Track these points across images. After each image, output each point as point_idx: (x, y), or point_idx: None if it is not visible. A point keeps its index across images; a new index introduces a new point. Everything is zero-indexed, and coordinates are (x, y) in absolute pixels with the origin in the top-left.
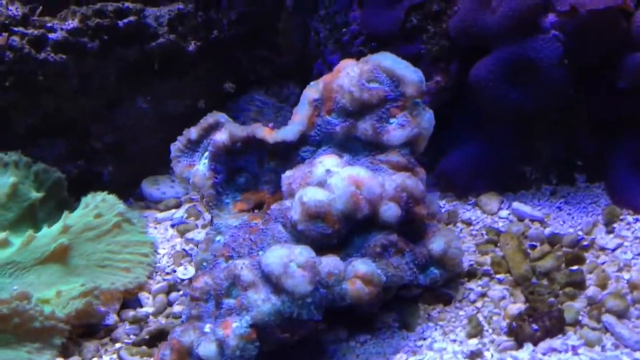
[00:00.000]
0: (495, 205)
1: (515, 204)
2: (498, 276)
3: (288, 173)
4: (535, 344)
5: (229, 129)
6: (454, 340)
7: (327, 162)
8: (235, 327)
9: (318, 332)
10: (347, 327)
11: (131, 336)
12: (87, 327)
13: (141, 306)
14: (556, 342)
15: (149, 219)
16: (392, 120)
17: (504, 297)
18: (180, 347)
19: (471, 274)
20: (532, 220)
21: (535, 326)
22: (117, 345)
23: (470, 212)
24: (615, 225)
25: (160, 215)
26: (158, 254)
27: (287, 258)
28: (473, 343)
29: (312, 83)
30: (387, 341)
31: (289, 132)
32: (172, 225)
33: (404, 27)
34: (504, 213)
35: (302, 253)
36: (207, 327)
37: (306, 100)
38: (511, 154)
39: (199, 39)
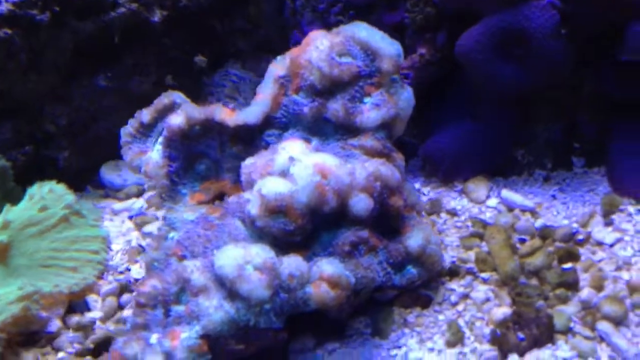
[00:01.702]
0: (483, 192)
1: (505, 192)
2: (483, 275)
3: (248, 161)
4: (521, 355)
5: (185, 110)
6: (432, 349)
7: (291, 149)
8: (183, 338)
9: (278, 343)
10: (314, 334)
11: (75, 345)
12: (27, 335)
13: (89, 310)
14: (544, 353)
15: (105, 210)
16: (366, 99)
17: (488, 299)
18: None
19: (453, 273)
20: (523, 211)
21: (521, 335)
22: (60, 355)
23: (455, 201)
24: (614, 216)
25: (118, 205)
26: (111, 250)
27: (243, 259)
28: (453, 352)
29: (278, 58)
30: (358, 350)
31: (251, 113)
32: (130, 217)
33: None
34: (492, 202)
35: (260, 253)
36: (154, 338)
37: (271, 78)
38: (503, 135)
39: (166, 8)
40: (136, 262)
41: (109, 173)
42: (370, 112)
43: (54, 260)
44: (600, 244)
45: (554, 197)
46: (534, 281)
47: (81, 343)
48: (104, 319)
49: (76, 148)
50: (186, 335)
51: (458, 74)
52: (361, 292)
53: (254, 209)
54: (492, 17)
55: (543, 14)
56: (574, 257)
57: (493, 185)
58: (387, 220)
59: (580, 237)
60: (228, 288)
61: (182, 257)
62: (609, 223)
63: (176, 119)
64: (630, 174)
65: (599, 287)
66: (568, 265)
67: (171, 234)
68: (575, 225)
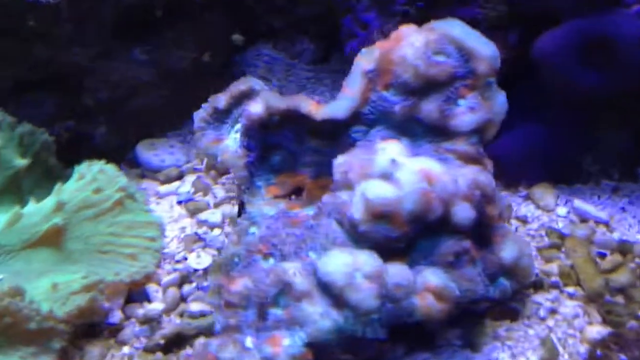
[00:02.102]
0: (551, 200)
1: (577, 202)
2: (567, 289)
3: (341, 159)
4: None
5: (266, 99)
6: None
7: (391, 150)
8: (287, 346)
9: (382, 354)
10: (405, 342)
11: (142, 339)
12: (89, 327)
13: (149, 301)
14: None
15: (148, 192)
16: (460, 101)
17: (577, 316)
18: None
19: (537, 285)
20: (597, 223)
21: (623, 356)
22: (125, 349)
23: (525, 207)
24: None
25: (162, 188)
26: (166, 237)
27: (352, 267)
28: None
29: (364, 50)
30: None
31: (340, 107)
32: (179, 202)
33: None
34: (562, 210)
35: (369, 261)
36: (249, 341)
37: (359, 71)
38: (571, 141)
39: None
40: (192, 251)
41: (145, 152)
42: (465, 115)
43: (111, 246)
44: None
45: (624, 209)
46: (618, 298)
47: (148, 337)
48: (167, 311)
49: (113, 124)
50: (289, 343)
51: (529, 75)
52: (460, 304)
53: (357, 212)
54: (577, 21)
55: (633, 22)
56: None
57: (559, 193)
58: (482, 229)
59: None
60: (335, 295)
61: (269, 255)
62: None
63: (256, 107)
64: None
65: None
66: None
67: (252, 229)
68: None
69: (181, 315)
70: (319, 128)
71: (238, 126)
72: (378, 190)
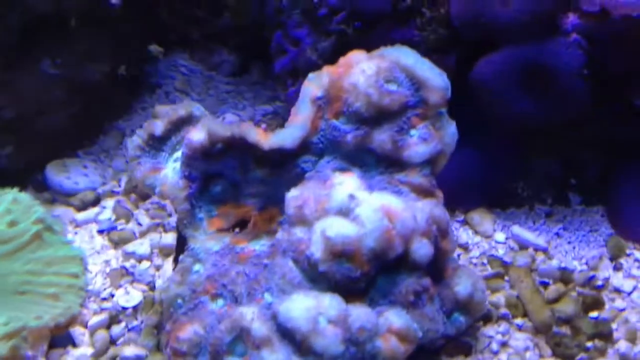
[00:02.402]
0: (489, 225)
1: (516, 229)
2: (516, 321)
3: (294, 192)
4: None
5: (207, 126)
6: None
7: (348, 184)
8: None
9: None
10: None
11: None
12: None
13: (74, 345)
14: None
15: (63, 220)
16: (412, 132)
17: (528, 349)
18: None
19: (487, 317)
20: (536, 250)
21: None
22: None
23: (464, 233)
24: (621, 260)
25: (79, 216)
26: (89, 272)
27: (315, 311)
28: None
29: (311, 75)
30: None
31: (289, 137)
32: (101, 232)
33: (397, 6)
34: (500, 236)
35: (333, 305)
36: None
37: (307, 98)
38: (505, 166)
39: None
40: (120, 286)
41: (56, 174)
42: (418, 146)
43: (31, 285)
44: (618, 291)
45: (558, 235)
46: (564, 329)
47: None
48: (96, 356)
49: (21, 144)
50: None
51: (465, 100)
52: (423, 344)
53: (317, 252)
54: (516, 47)
55: (570, 52)
56: (599, 304)
57: (496, 218)
58: (436, 263)
59: (599, 283)
60: (299, 342)
61: (217, 296)
62: (618, 268)
63: (198, 135)
64: (636, 220)
65: (632, 340)
66: (594, 313)
67: (196, 267)
68: (585, 267)
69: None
70: (265, 157)
71: (177, 154)
72: (339, 229)
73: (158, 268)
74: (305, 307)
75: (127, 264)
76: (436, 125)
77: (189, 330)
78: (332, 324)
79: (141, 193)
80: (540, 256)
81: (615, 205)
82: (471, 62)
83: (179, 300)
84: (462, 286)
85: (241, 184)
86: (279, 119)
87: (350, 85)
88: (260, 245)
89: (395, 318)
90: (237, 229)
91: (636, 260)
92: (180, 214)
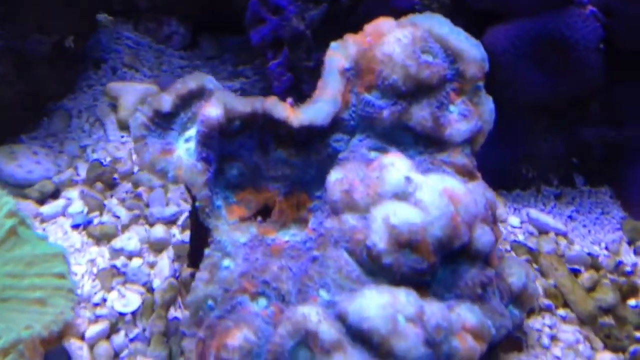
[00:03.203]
0: (501, 209)
1: (533, 213)
2: (559, 312)
3: (337, 174)
4: None
5: (223, 100)
6: None
7: (400, 165)
8: None
9: None
10: None
11: None
12: None
13: None
14: None
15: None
16: (451, 108)
17: (578, 342)
18: None
19: (530, 309)
20: (557, 234)
21: None
22: None
23: None
24: None
25: (44, 209)
26: (74, 273)
27: (392, 308)
28: None
29: (335, 44)
30: None
31: (321, 112)
32: (75, 227)
33: None
34: (514, 221)
35: (410, 301)
36: None
37: (336, 69)
38: (511, 146)
39: None
40: (112, 289)
41: (6, 163)
42: (460, 123)
43: (13, 290)
44: None
45: (572, 218)
46: (607, 319)
47: None
48: None
49: None
50: None
51: None
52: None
53: (381, 241)
54: (530, 19)
55: (587, 25)
56: (636, 292)
57: (505, 202)
58: None
59: (628, 268)
60: (376, 345)
61: (258, 295)
62: (638, 252)
63: (214, 110)
64: None
65: None
66: (632, 300)
67: (225, 262)
68: (606, 252)
69: None
70: (290, 136)
71: (189, 133)
72: (405, 215)
73: (152, 265)
74: (381, 304)
75: (117, 263)
76: (474, 101)
77: (238, 337)
78: (411, 322)
79: (108, 181)
80: (562, 241)
81: (628, 187)
82: (475, 34)
83: (210, 302)
84: (515, 277)
85: (261, 166)
86: None
87: (384, 56)
88: (290, 236)
89: (468, 314)
90: (259, 218)
91: None
92: (201, 201)
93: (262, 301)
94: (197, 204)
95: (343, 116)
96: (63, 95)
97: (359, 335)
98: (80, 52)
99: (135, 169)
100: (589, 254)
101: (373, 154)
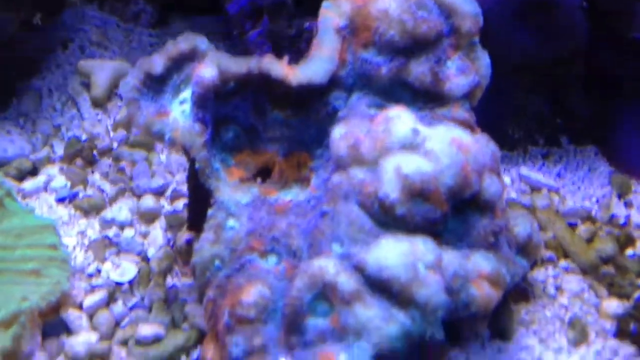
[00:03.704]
0: None
1: (524, 171)
2: (561, 264)
3: (341, 130)
4: None
5: (218, 60)
6: (559, 350)
7: (406, 117)
8: None
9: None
10: None
11: None
12: None
13: (69, 332)
14: None
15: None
16: (449, 63)
17: (583, 291)
18: None
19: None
20: (549, 191)
21: None
22: None
23: None
24: (630, 198)
25: (26, 185)
26: (65, 245)
27: (413, 256)
28: (584, 354)
29: (327, 3)
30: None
31: (319, 70)
32: (61, 200)
33: None
34: (505, 180)
35: (428, 248)
36: None
37: (331, 27)
38: (497, 107)
39: None
40: (105, 259)
41: None
42: (459, 78)
43: (5, 262)
44: None
45: (560, 175)
46: (607, 269)
47: None
48: (103, 341)
49: None
50: (346, 359)
51: None
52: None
53: (394, 192)
54: None
55: None
56: (632, 242)
57: None
58: None
59: (622, 221)
60: (396, 293)
61: (267, 252)
62: (629, 204)
63: (209, 71)
64: (637, 156)
65: None
66: (629, 250)
67: (230, 222)
68: (596, 206)
69: (125, 344)
70: (287, 96)
71: (183, 95)
72: (417, 165)
73: (144, 235)
74: (401, 252)
75: (109, 233)
76: (471, 56)
77: (252, 293)
78: (431, 270)
79: (88, 157)
80: (555, 197)
81: (615, 143)
82: None
83: (217, 262)
84: (521, 227)
85: (258, 128)
86: None
87: (380, 12)
88: (293, 195)
89: (483, 262)
90: (259, 179)
91: None
92: (200, 162)
93: (273, 258)
94: (196, 165)
95: (340, 74)
96: (31, 75)
97: (378, 284)
98: (48, 31)
99: (115, 144)
100: (583, 207)
101: (373, 111)
